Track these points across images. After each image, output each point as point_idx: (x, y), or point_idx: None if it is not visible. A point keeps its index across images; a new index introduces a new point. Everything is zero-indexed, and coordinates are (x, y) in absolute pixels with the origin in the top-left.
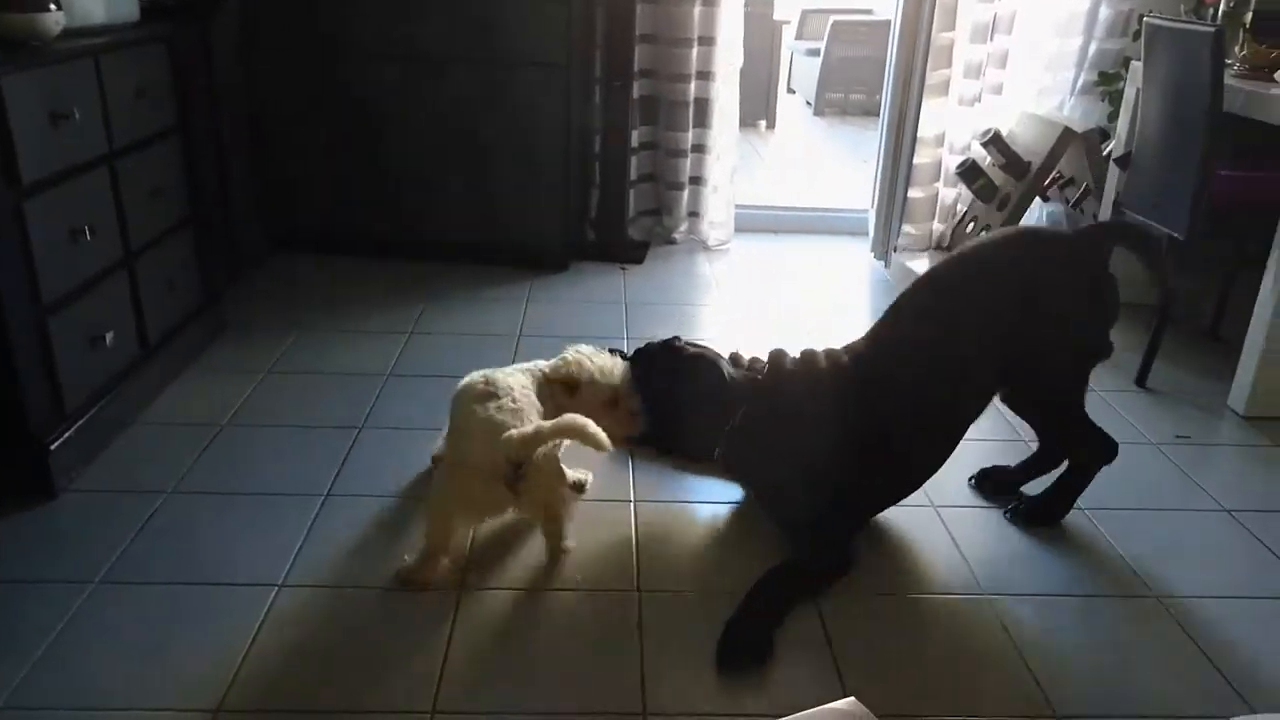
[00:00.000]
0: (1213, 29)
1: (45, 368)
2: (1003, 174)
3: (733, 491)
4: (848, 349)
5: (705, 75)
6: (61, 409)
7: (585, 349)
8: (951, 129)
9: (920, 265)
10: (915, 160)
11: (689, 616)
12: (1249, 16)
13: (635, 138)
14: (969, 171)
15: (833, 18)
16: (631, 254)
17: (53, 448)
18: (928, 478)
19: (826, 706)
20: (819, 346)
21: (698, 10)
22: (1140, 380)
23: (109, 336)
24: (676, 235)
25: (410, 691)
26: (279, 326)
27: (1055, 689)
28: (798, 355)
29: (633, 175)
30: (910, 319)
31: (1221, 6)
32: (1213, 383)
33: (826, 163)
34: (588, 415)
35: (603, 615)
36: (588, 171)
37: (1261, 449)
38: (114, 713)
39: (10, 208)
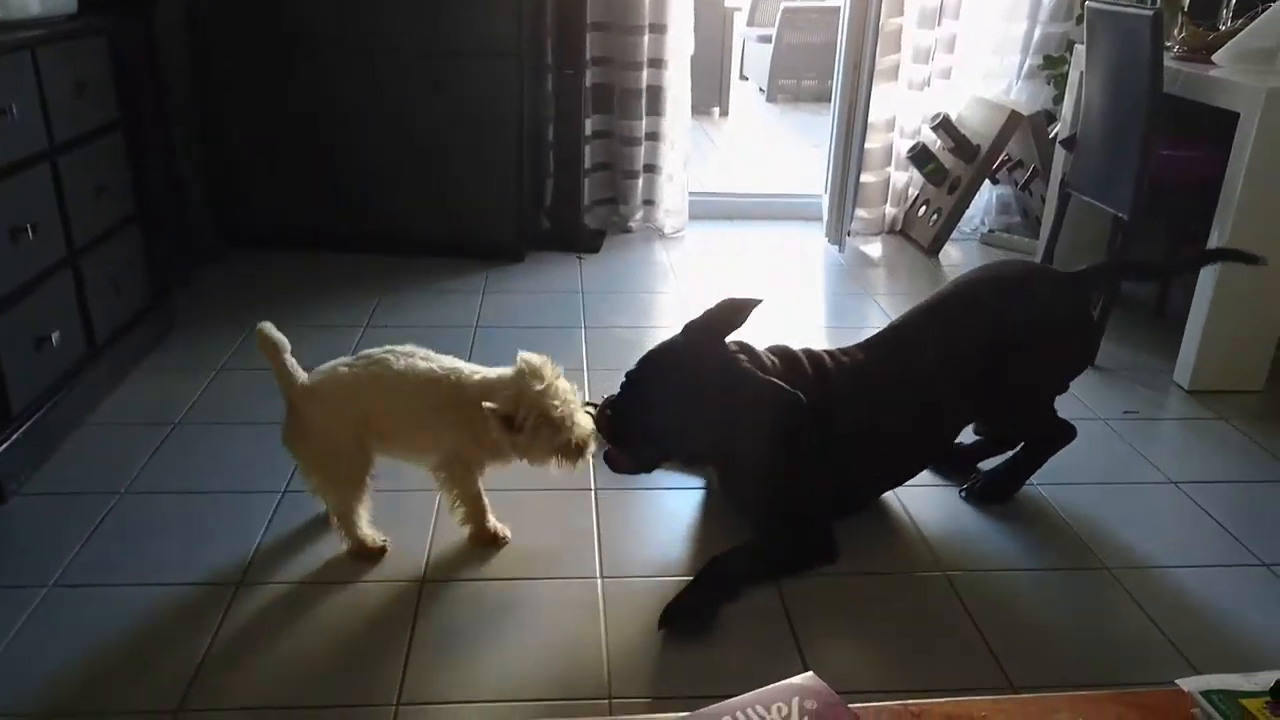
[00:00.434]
0: (1151, 12)
1: None
2: (953, 157)
3: (692, 479)
4: (835, 356)
5: (657, 63)
6: (8, 411)
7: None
8: (902, 113)
9: (874, 249)
10: (867, 145)
11: (650, 603)
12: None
13: (589, 126)
14: (920, 155)
15: (784, 4)
16: (588, 243)
17: None
18: (886, 487)
19: (784, 682)
20: (802, 344)
21: None
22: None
23: (55, 337)
24: (632, 223)
25: (374, 685)
26: (231, 323)
27: (1011, 661)
28: (780, 354)
29: (587, 164)
30: (897, 341)
31: None
32: (1158, 359)
33: (780, 149)
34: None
35: (566, 603)
36: (542, 161)
37: (1205, 422)
38: (71, 716)
39: None
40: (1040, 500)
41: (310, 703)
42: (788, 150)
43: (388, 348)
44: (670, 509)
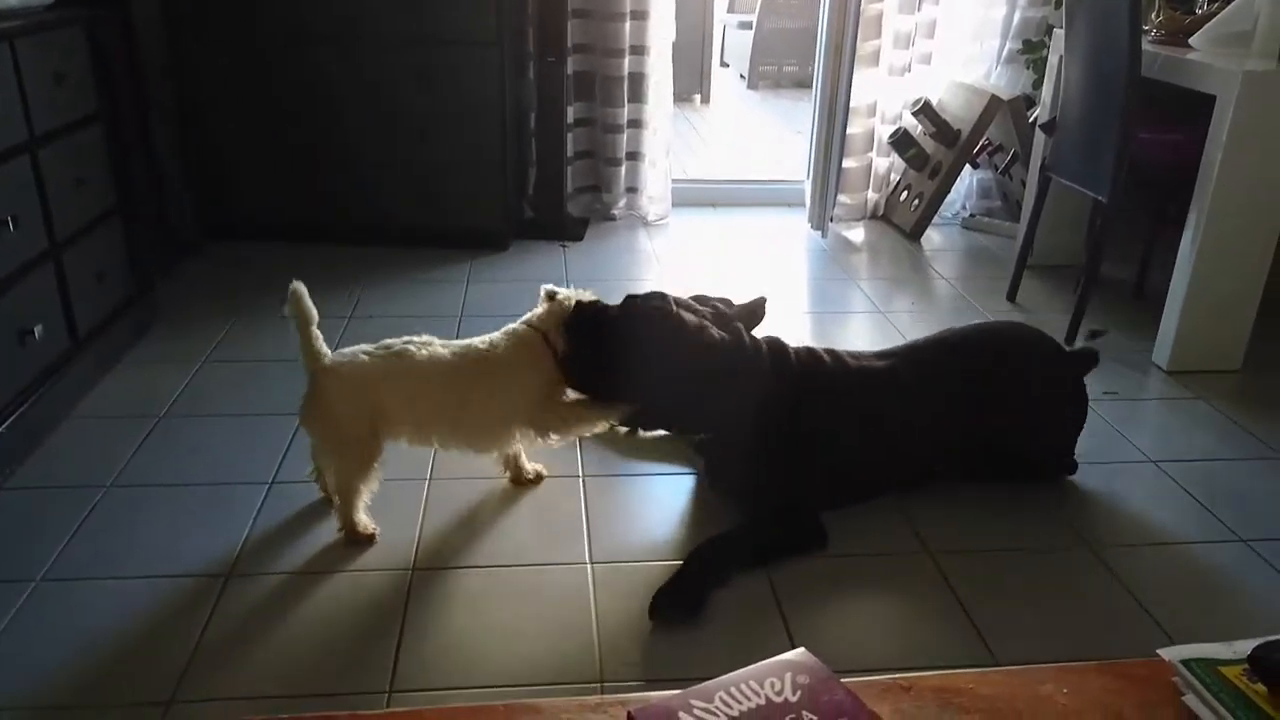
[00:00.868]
0: None
1: None
2: (934, 142)
3: (679, 465)
4: (825, 353)
5: (639, 50)
6: None
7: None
8: (883, 99)
9: (856, 234)
10: (848, 131)
11: (640, 587)
12: None
13: (571, 114)
14: (901, 141)
15: None
16: (571, 231)
17: None
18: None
19: (777, 658)
20: (788, 331)
21: None
22: (1069, 340)
23: (37, 330)
24: (616, 211)
25: (366, 673)
26: (215, 314)
27: (996, 639)
28: (769, 345)
29: (570, 152)
30: (906, 358)
31: None
32: (1137, 340)
33: (761, 135)
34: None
35: (556, 589)
36: (524, 149)
37: (1184, 401)
38: (63, 710)
39: None
40: (1023, 482)
41: (303, 692)
42: (770, 136)
43: (406, 339)
44: (658, 495)
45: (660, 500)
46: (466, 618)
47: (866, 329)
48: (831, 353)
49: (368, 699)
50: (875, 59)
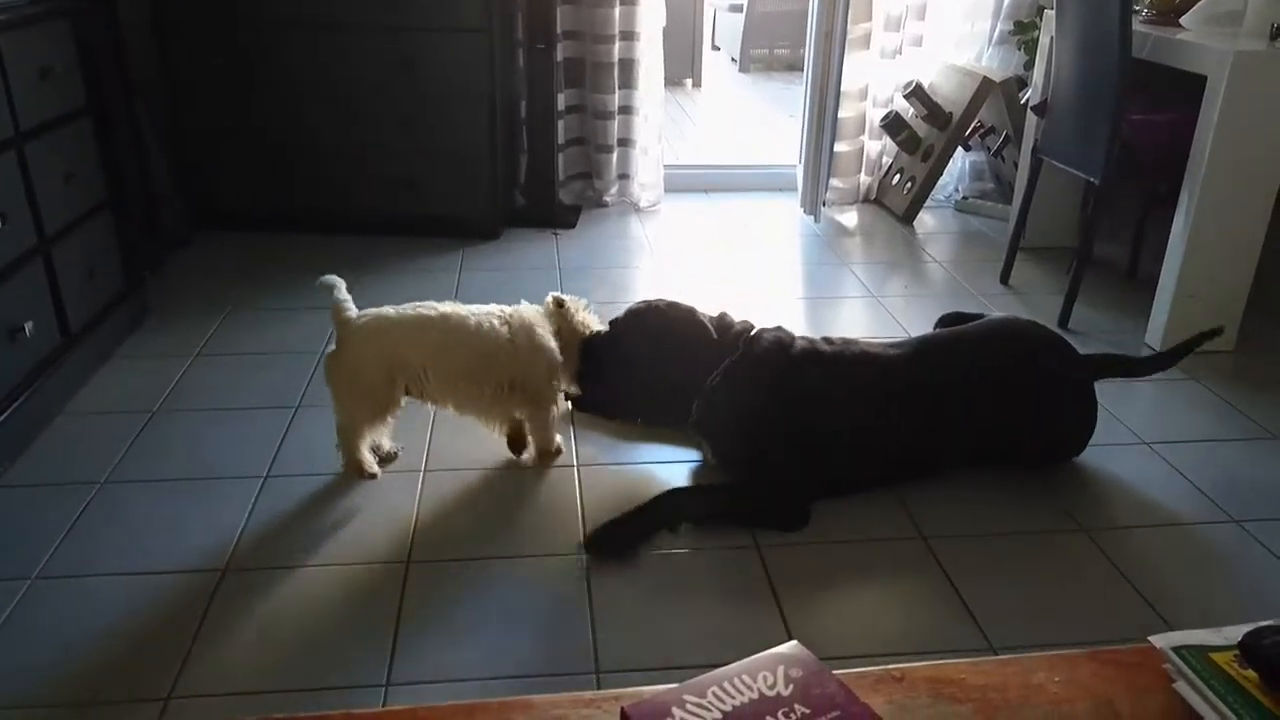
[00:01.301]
0: None
1: None
2: (925, 125)
3: (669, 453)
4: (830, 345)
5: (629, 35)
6: None
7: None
8: (874, 82)
9: (849, 218)
10: (840, 114)
11: (635, 576)
12: None
13: (561, 101)
14: (893, 124)
15: None
16: (563, 219)
17: None
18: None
19: (769, 652)
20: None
21: None
22: (1063, 322)
23: (28, 327)
24: (607, 198)
25: (363, 666)
26: (206, 308)
27: (991, 624)
28: (774, 335)
29: (561, 139)
30: (895, 363)
31: None
32: (1130, 321)
33: (754, 119)
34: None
35: (551, 579)
36: (515, 137)
37: (1176, 382)
38: (61, 709)
39: None
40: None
41: (300, 686)
42: (762, 120)
43: (429, 302)
44: (653, 484)
45: (655, 489)
46: (463, 609)
47: (861, 314)
48: (835, 342)
49: (366, 692)
50: (866, 42)
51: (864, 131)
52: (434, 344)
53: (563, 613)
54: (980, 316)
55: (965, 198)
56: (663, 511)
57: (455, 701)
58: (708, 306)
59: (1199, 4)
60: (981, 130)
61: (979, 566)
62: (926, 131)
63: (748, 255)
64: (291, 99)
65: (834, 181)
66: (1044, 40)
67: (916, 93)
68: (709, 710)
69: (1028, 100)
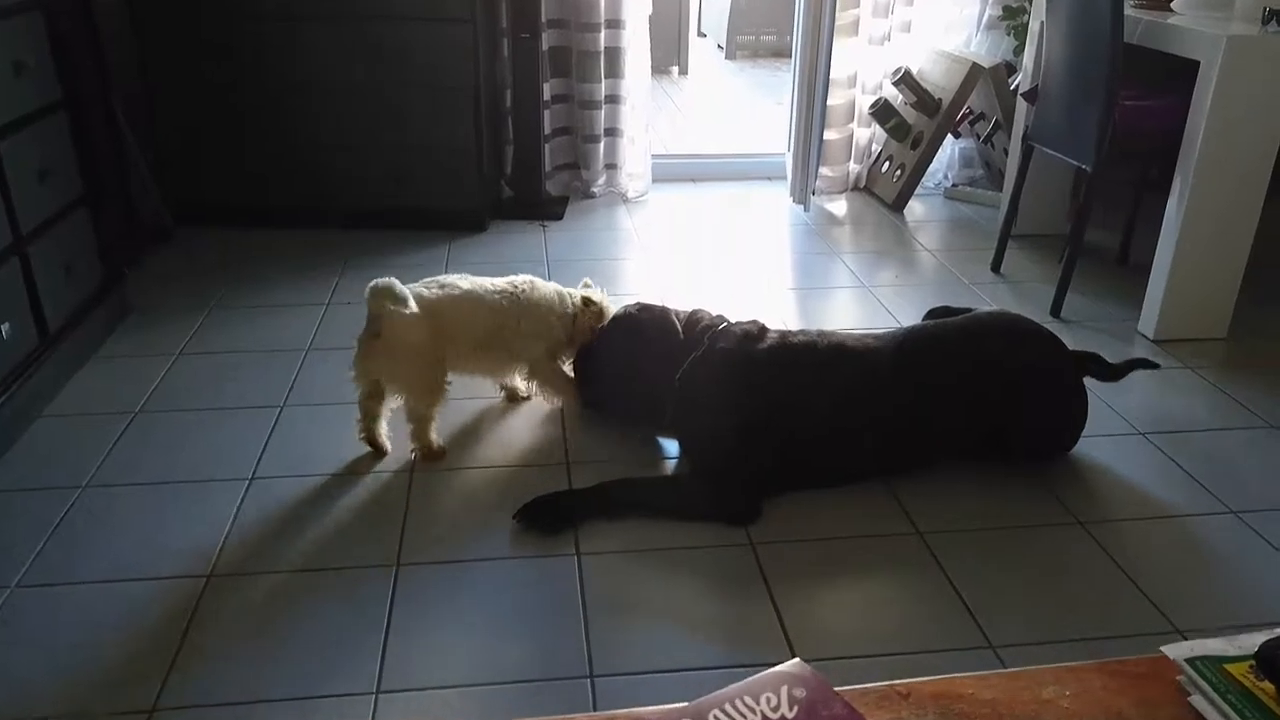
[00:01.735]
0: None
1: None
2: (915, 112)
3: (664, 452)
4: (805, 339)
5: (615, 23)
6: None
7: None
8: (863, 69)
9: (838, 207)
10: (829, 102)
11: (629, 578)
12: None
13: (547, 90)
14: (882, 111)
15: None
16: (550, 210)
17: None
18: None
19: (772, 671)
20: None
21: None
22: (1055, 311)
23: (4, 328)
24: (595, 189)
25: (353, 673)
26: (188, 305)
27: (990, 621)
28: (746, 328)
29: (547, 129)
30: (873, 354)
31: None
32: (1122, 309)
33: (741, 107)
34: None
35: (543, 582)
36: (500, 128)
37: (1168, 370)
38: None
39: None
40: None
41: (290, 695)
42: (749, 108)
43: (443, 276)
44: None
45: None
46: (453, 613)
47: (852, 304)
48: (811, 334)
49: (355, 701)
50: (855, 28)
51: (853, 119)
52: (463, 322)
53: (555, 615)
54: (969, 310)
55: (955, 185)
56: (600, 497)
57: None
58: (685, 303)
59: None
60: (971, 117)
61: (975, 562)
62: (915, 119)
63: (737, 245)
64: (273, 91)
65: (823, 170)
66: (1034, 25)
67: (905, 79)
68: None
69: (1017, 86)
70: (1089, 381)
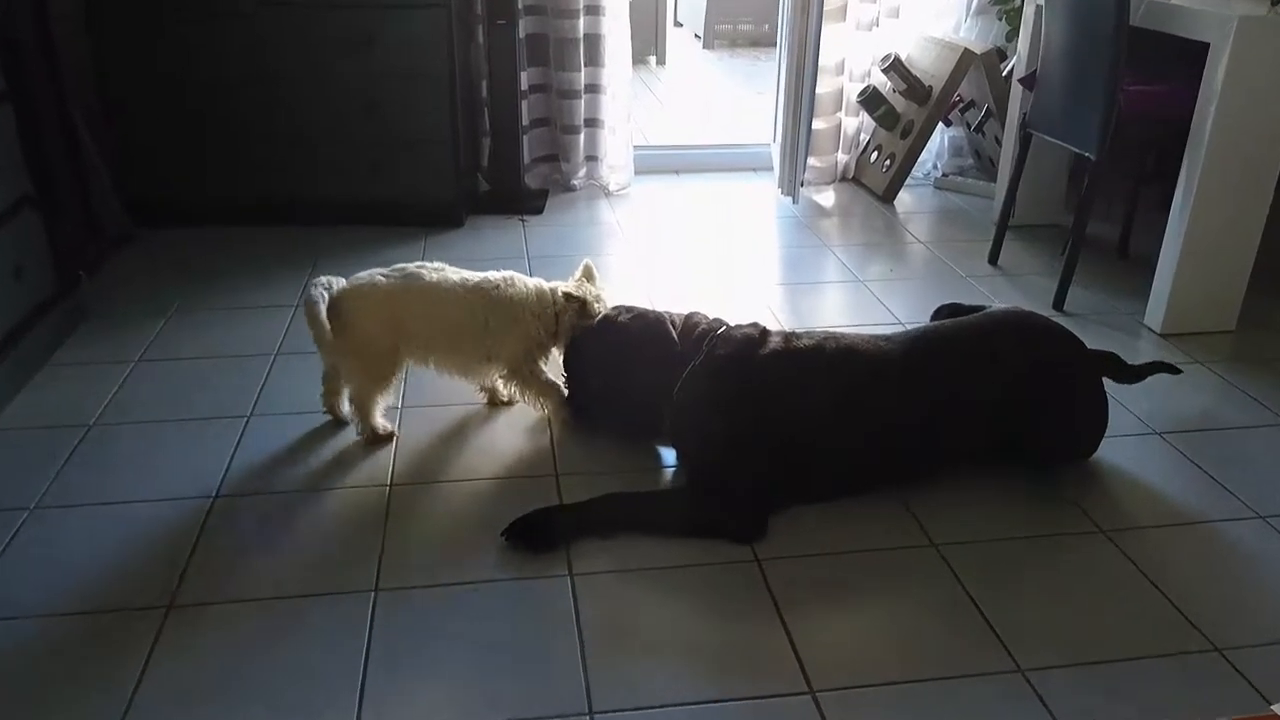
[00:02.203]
0: None
1: None
2: (904, 100)
3: (661, 461)
4: (789, 336)
5: (594, 9)
6: None
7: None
8: (851, 56)
9: (826, 198)
10: (816, 90)
11: (627, 601)
12: None
13: (525, 80)
14: (871, 99)
15: None
16: (530, 204)
17: None
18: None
19: None
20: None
21: None
22: (1058, 305)
23: None
24: (575, 181)
25: (329, 712)
26: (148, 310)
27: (1015, 641)
28: (747, 332)
29: (525, 120)
30: (883, 357)
31: None
32: (1126, 301)
33: (722, 97)
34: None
35: (534, 608)
36: (477, 119)
37: (1182, 366)
38: None
39: None
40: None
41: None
42: (729, 98)
43: (419, 264)
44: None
45: None
46: (436, 642)
47: (845, 299)
48: (817, 336)
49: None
50: (842, 14)
51: (841, 108)
52: (421, 314)
53: (548, 644)
54: (982, 308)
55: (945, 175)
56: (595, 514)
57: None
58: (673, 301)
59: None
60: (961, 104)
61: (995, 575)
62: (905, 107)
63: (724, 239)
64: (238, 83)
65: (811, 160)
66: (1028, 9)
67: (895, 66)
68: None
69: (1010, 72)
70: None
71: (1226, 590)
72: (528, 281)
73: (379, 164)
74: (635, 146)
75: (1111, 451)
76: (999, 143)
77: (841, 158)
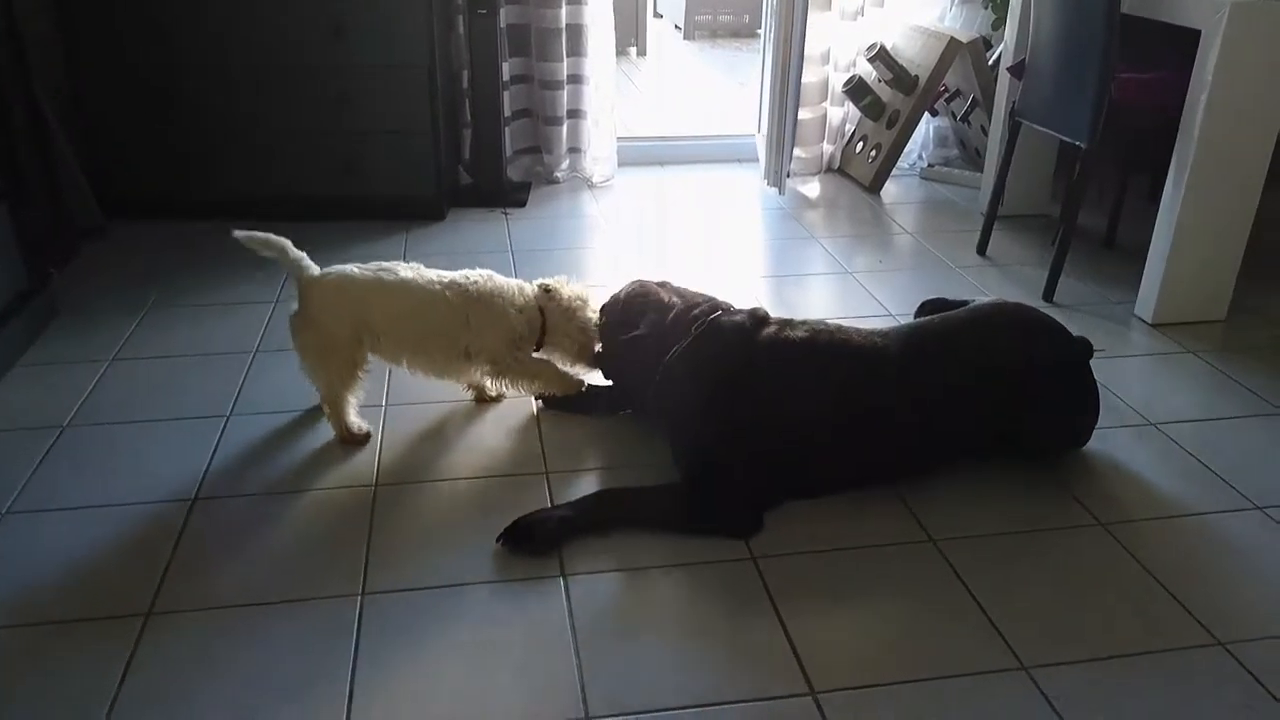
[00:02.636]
0: None
1: None
2: (890, 90)
3: (651, 457)
4: (783, 323)
5: None
6: None
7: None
8: (836, 44)
9: (812, 189)
10: (802, 80)
11: (621, 601)
12: None
13: (506, 70)
14: (856, 89)
15: None
16: (512, 197)
17: None
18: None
19: None
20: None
21: None
22: (1048, 296)
23: None
24: (558, 173)
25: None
26: (122, 306)
27: (1017, 637)
28: (743, 315)
29: (507, 111)
30: (881, 353)
31: None
32: (1116, 291)
33: (703, 88)
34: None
35: (527, 610)
36: (457, 110)
37: (1174, 356)
38: None
39: None
40: (1018, 455)
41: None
42: (711, 89)
43: (394, 263)
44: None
45: None
46: (426, 647)
47: (833, 290)
48: (810, 325)
49: None
50: (827, 3)
51: (826, 98)
52: (390, 310)
53: (542, 647)
54: (966, 303)
55: (931, 165)
56: (589, 513)
57: None
58: (685, 282)
59: None
60: (947, 94)
61: (995, 570)
62: (891, 96)
63: (709, 231)
64: (212, 74)
65: (797, 151)
66: None
67: (880, 55)
68: None
69: (996, 61)
70: (1107, 360)
71: (1226, 583)
72: (506, 280)
73: (357, 157)
74: (619, 138)
75: (1107, 443)
76: (985, 132)
77: (827, 148)
